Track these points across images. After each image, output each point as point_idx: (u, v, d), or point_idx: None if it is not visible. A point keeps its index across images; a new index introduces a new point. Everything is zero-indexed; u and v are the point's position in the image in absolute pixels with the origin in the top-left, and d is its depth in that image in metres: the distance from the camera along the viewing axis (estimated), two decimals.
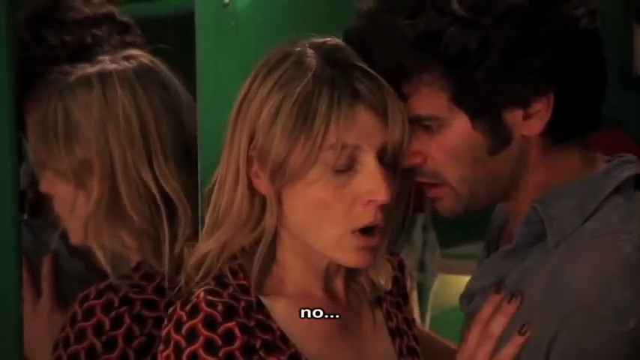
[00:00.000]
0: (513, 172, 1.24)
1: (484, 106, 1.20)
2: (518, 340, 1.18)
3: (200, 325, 1.23)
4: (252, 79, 1.29)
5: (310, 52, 1.27)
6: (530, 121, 1.21)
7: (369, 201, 1.24)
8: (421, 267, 2.17)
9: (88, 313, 1.42)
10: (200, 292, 1.26)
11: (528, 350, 1.18)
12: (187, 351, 1.23)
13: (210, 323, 1.24)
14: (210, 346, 1.23)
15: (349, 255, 1.26)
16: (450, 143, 1.22)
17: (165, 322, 1.27)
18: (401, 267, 1.49)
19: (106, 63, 1.56)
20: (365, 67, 1.25)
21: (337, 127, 1.22)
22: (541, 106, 1.21)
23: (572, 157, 1.25)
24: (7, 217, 1.37)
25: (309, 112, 1.23)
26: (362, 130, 1.23)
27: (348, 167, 1.24)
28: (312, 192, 1.24)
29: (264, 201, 1.28)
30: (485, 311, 1.22)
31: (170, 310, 1.28)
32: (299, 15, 1.81)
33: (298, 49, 1.28)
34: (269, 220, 1.28)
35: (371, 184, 1.24)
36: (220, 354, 1.23)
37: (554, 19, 1.18)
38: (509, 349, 1.19)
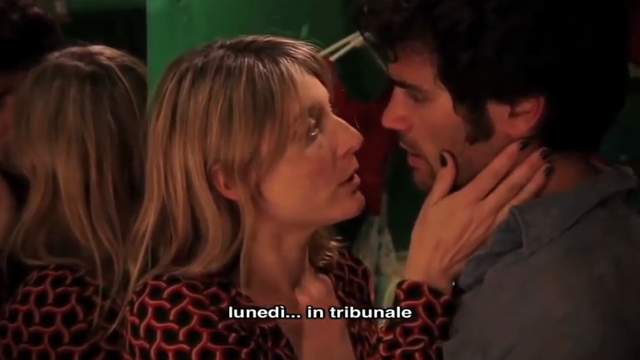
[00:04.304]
0: None
1: (467, 91, 1.17)
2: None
3: (190, 307, 1.20)
4: (172, 95, 1.24)
5: (227, 51, 1.25)
6: (516, 121, 1.17)
7: (347, 150, 1.26)
8: (377, 270, 2.16)
9: (39, 280, 1.41)
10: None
11: (484, 351, 1.15)
12: (182, 331, 1.19)
13: (199, 304, 1.20)
14: (206, 322, 1.19)
15: (345, 204, 1.28)
16: (431, 119, 1.20)
17: (134, 319, 1.21)
18: (365, 275, 1.47)
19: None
20: (292, 42, 1.27)
21: (296, 95, 1.23)
22: (529, 107, 1.16)
23: (566, 166, 1.21)
24: None
25: (266, 95, 1.22)
26: (312, 89, 1.26)
27: (316, 128, 1.25)
28: (297, 167, 1.24)
29: (231, 207, 1.25)
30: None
31: (133, 304, 1.22)
32: (253, 11, 1.78)
33: (212, 52, 1.26)
34: (248, 221, 1.24)
35: (343, 134, 1.27)
36: (220, 326, 1.20)
37: (562, 25, 1.13)
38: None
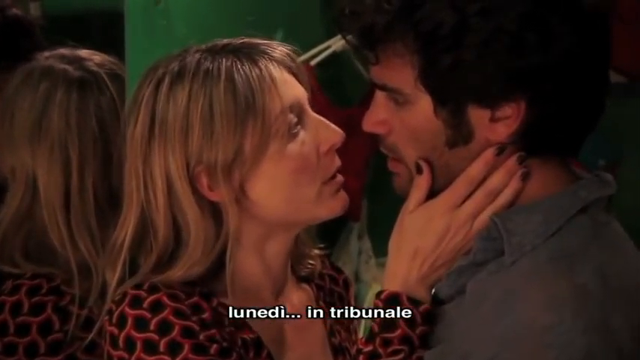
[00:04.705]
0: None
1: (448, 94, 1.16)
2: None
3: (171, 317, 1.17)
4: (150, 100, 1.23)
5: (203, 54, 1.24)
6: (496, 125, 1.16)
7: (330, 147, 1.26)
8: (356, 277, 2.14)
9: (14, 290, 1.39)
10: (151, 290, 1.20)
11: None
12: (163, 342, 1.16)
13: (180, 314, 1.18)
14: (188, 332, 1.17)
15: (331, 202, 1.27)
16: (412, 123, 1.19)
17: (113, 329, 1.19)
18: (346, 285, 1.46)
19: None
20: (268, 42, 1.27)
21: (276, 92, 1.22)
22: (510, 111, 1.15)
23: (546, 172, 1.20)
24: None
25: (246, 93, 1.21)
26: (291, 87, 1.25)
27: (297, 126, 1.25)
28: (280, 164, 1.23)
29: (214, 210, 1.24)
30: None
31: (112, 314, 1.20)
32: (232, 14, 1.76)
33: (189, 57, 1.25)
34: (232, 222, 1.23)
35: (325, 131, 1.26)
36: (201, 337, 1.18)
37: (544, 29, 1.13)
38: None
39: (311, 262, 1.39)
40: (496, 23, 1.12)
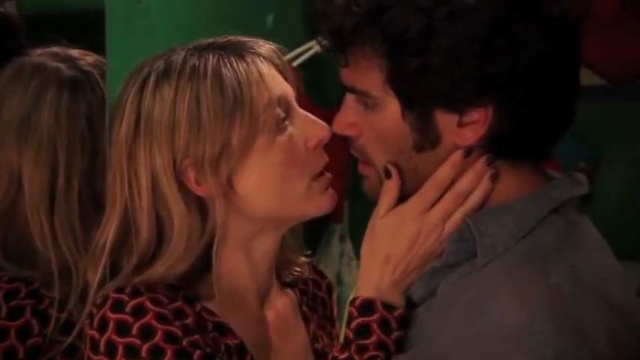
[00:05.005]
0: None
1: (415, 98, 1.16)
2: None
3: (154, 321, 1.16)
4: (135, 99, 1.22)
5: (189, 51, 1.24)
6: (464, 130, 1.16)
7: (318, 142, 1.26)
8: (338, 279, 2.13)
9: None
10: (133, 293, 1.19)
11: None
12: (145, 347, 1.15)
13: (163, 319, 1.17)
14: (170, 338, 1.16)
15: (320, 199, 1.26)
16: (380, 126, 1.19)
17: (94, 333, 1.17)
18: (329, 290, 1.46)
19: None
20: (254, 39, 1.27)
21: (264, 85, 1.22)
22: (478, 116, 1.15)
23: (518, 174, 1.20)
24: None
25: (234, 86, 1.20)
26: (279, 81, 1.25)
27: (285, 121, 1.24)
28: (268, 157, 1.22)
29: (200, 206, 1.23)
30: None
31: (93, 318, 1.18)
32: (215, 14, 1.75)
33: (174, 55, 1.24)
34: (220, 216, 1.22)
35: (312, 127, 1.26)
36: (184, 342, 1.16)
37: (512, 34, 1.13)
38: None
39: (297, 268, 1.38)
40: (464, 28, 1.12)
